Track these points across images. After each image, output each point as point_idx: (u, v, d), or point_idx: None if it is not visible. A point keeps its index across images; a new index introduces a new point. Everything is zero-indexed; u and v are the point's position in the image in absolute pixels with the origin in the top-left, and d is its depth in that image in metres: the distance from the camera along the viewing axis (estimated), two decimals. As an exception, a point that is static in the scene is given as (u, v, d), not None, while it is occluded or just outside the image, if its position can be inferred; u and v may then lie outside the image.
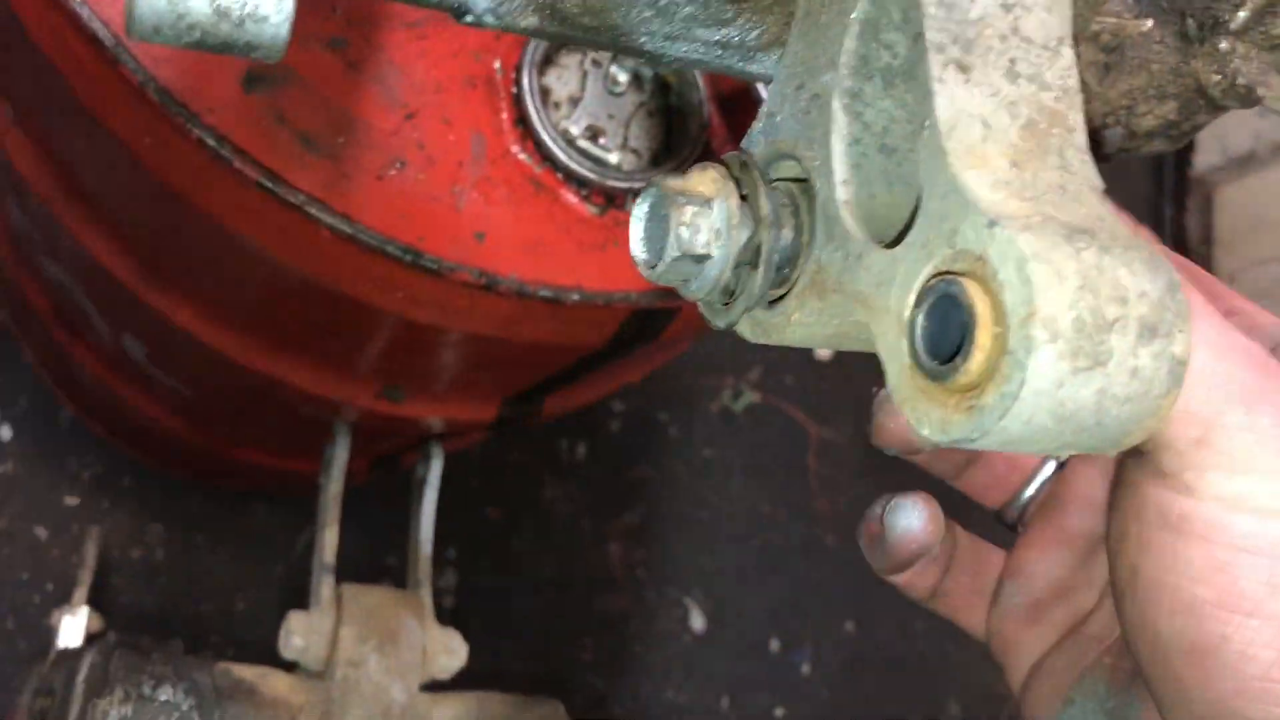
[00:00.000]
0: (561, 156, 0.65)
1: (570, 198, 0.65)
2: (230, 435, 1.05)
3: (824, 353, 1.84)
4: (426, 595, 0.87)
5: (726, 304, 0.36)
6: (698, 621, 1.69)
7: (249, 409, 0.94)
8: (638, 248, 0.35)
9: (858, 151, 0.33)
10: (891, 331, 0.30)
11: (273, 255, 0.60)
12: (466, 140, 0.63)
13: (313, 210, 0.55)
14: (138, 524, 1.34)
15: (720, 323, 0.37)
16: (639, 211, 0.35)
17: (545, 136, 0.65)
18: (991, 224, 0.27)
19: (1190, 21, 0.40)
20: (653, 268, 0.34)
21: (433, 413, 0.81)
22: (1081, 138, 0.31)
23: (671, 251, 0.33)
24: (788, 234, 0.34)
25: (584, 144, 0.66)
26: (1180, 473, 0.30)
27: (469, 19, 0.33)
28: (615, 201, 0.66)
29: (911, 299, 0.29)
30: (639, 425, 1.70)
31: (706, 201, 0.34)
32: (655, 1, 0.33)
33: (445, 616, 1.55)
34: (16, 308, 1.24)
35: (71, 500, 1.33)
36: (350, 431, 0.89)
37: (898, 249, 0.30)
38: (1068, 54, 0.32)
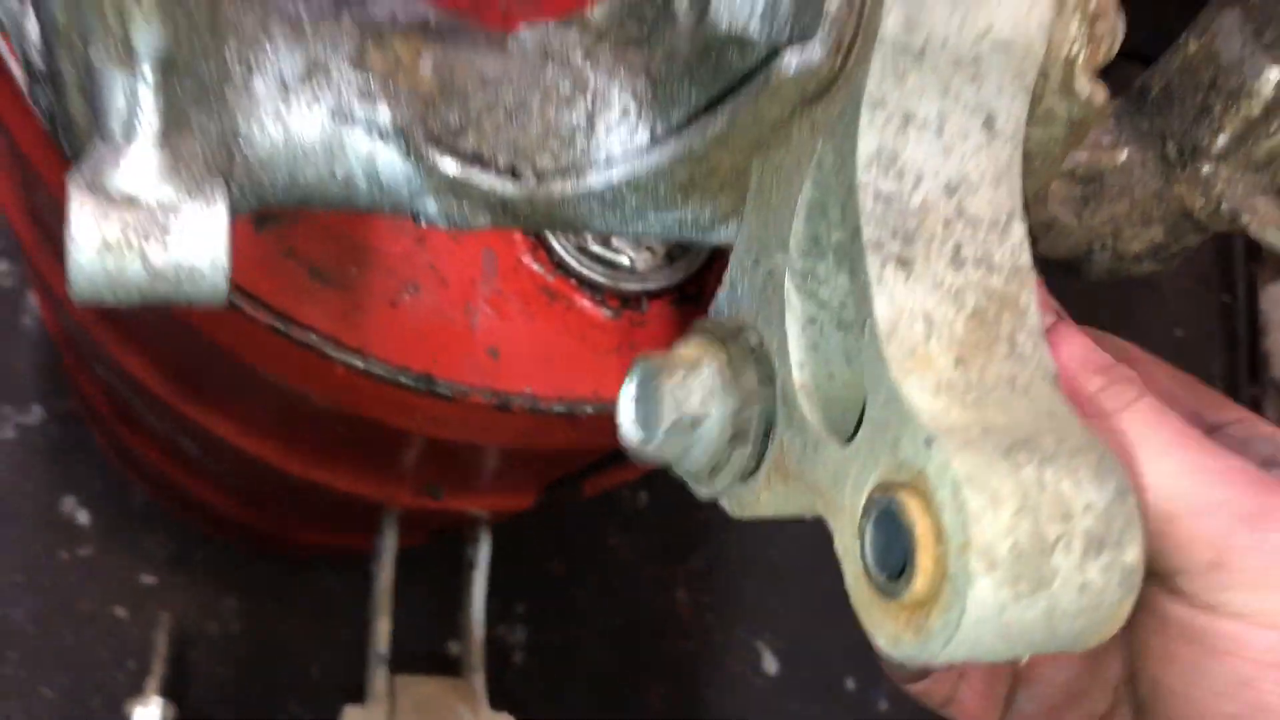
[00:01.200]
0: (573, 263, 0.65)
1: (584, 303, 0.65)
2: (286, 519, 1.08)
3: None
4: (479, 681, 0.88)
5: (711, 476, 0.35)
6: (770, 663, 1.67)
7: (299, 500, 0.96)
8: (630, 429, 0.34)
9: (814, 331, 0.33)
10: (846, 533, 0.29)
11: (292, 387, 0.61)
12: (478, 257, 0.64)
13: (325, 348, 0.56)
14: (212, 598, 1.38)
15: (705, 493, 0.37)
16: (627, 391, 0.34)
17: (556, 244, 0.65)
18: (928, 441, 0.27)
19: (1171, 146, 0.39)
20: (648, 443, 0.34)
21: (472, 505, 0.82)
22: (1034, 319, 0.30)
23: (668, 416, 0.33)
24: (769, 406, 0.33)
25: (596, 248, 0.66)
26: (1199, 593, 0.32)
27: (423, 222, 0.34)
28: (630, 304, 0.66)
29: (861, 506, 0.29)
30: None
31: (695, 364, 0.34)
32: (602, 198, 0.33)
33: (516, 672, 1.56)
34: (83, 396, 1.28)
35: (149, 579, 1.37)
36: (397, 521, 0.91)
37: (849, 448, 0.30)
38: (1018, 230, 0.31)
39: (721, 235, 0.36)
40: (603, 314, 0.66)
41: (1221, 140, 0.38)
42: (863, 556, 0.28)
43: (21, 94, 0.51)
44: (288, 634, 1.41)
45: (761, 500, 0.34)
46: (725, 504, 0.36)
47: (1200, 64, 0.38)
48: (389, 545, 0.90)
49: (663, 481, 1.80)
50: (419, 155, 0.31)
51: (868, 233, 0.29)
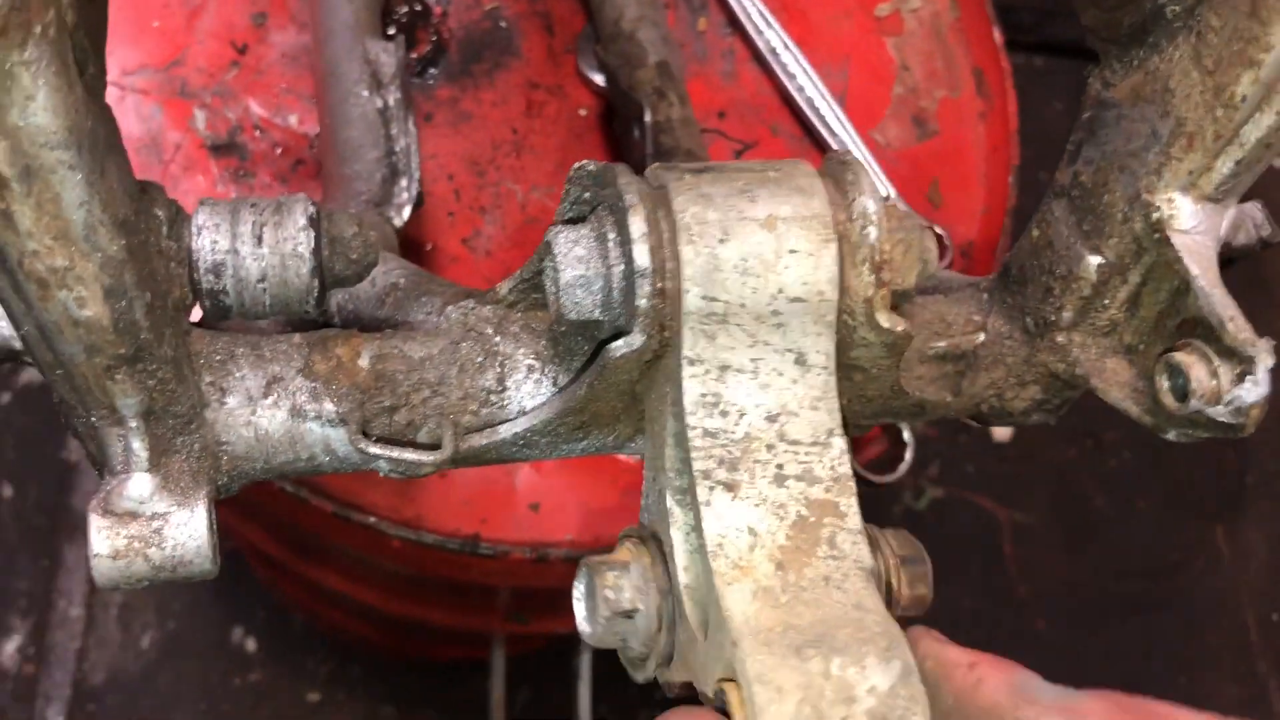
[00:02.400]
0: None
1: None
2: (415, 642, 1.18)
3: (1002, 433, 1.81)
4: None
5: (644, 663, 0.42)
6: None
7: (418, 629, 1.05)
8: (583, 623, 0.41)
9: (695, 538, 0.39)
10: (705, 702, 0.36)
11: (364, 554, 0.71)
12: (514, 421, 0.72)
13: (382, 527, 0.65)
14: (370, 710, 1.50)
15: (640, 677, 0.43)
16: (578, 591, 0.41)
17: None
18: (734, 643, 0.33)
19: (1029, 320, 0.44)
20: (594, 634, 0.40)
21: (559, 626, 0.90)
22: (854, 520, 0.36)
23: (603, 612, 0.40)
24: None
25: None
26: None
27: (381, 474, 0.42)
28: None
29: (711, 695, 0.35)
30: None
31: (626, 565, 0.40)
32: (516, 443, 0.41)
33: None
34: (237, 541, 1.42)
35: (313, 696, 1.50)
36: (504, 641, 0.99)
37: (706, 644, 0.36)
38: (838, 444, 0.37)
39: (631, 450, 0.43)
40: (633, 459, 0.73)
41: (1066, 315, 0.43)
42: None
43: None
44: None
45: (676, 681, 0.40)
46: (660, 679, 0.43)
47: (1041, 249, 0.43)
48: (498, 664, 0.98)
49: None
50: (357, 444, 0.39)
51: (696, 464, 0.36)
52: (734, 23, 0.83)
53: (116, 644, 1.46)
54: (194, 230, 0.38)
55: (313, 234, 0.39)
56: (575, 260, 0.36)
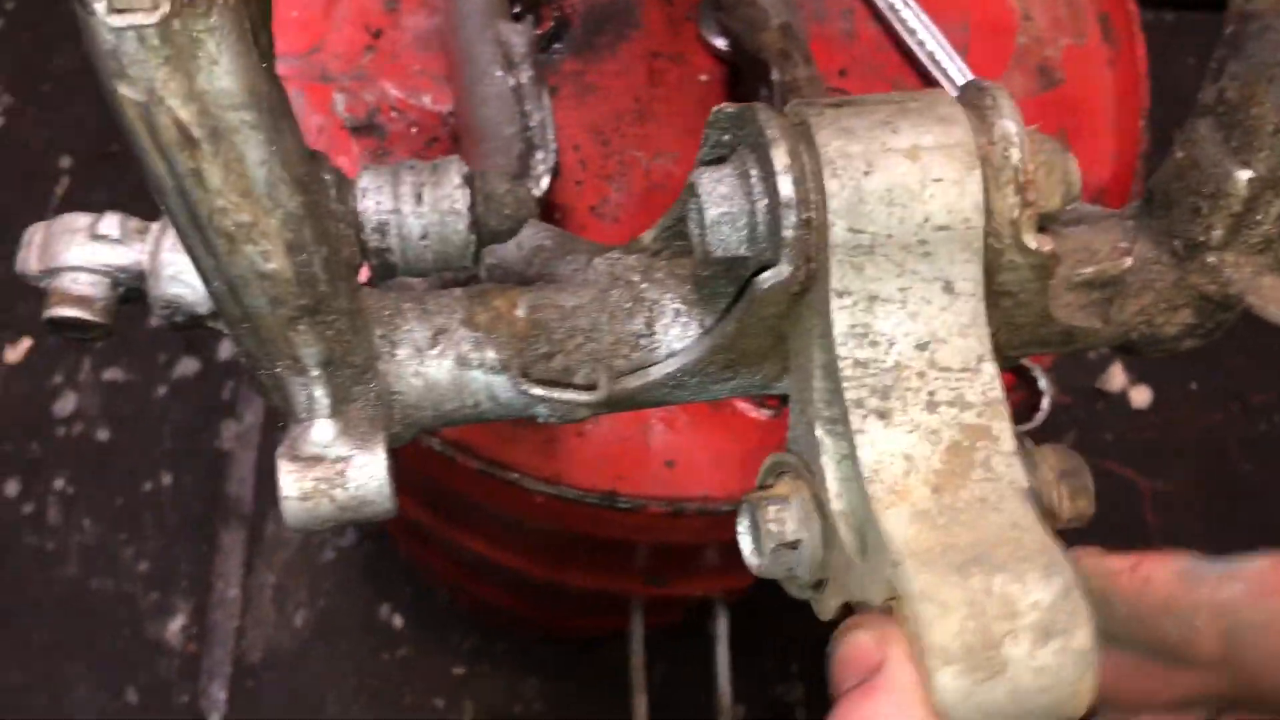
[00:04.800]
0: (734, 375, 0.73)
1: (745, 408, 0.74)
2: (556, 611, 1.21)
3: (1141, 399, 1.76)
4: (732, 744, 0.96)
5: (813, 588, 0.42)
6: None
7: (560, 596, 1.08)
8: (750, 556, 0.42)
9: (846, 466, 0.40)
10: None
11: (507, 512, 0.73)
12: (649, 383, 0.74)
13: (525, 483, 0.68)
14: (514, 682, 1.54)
15: (800, 596, 0.44)
16: (742, 527, 0.43)
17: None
18: (894, 564, 0.34)
19: (1178, 243, 0.44)
20: (761, 566, 0.42)
21: (694, 590, 0.92)
22: (1008, 442, 0.37)
23: (768, 545, 0.41)
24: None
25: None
26: None
27: (540, 420, 0.44)
28: (786, 400, 0.74)
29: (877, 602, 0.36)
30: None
31: (786, 499, 0.41)
32: (667, 384, 0.42)
33: (801, 729, 1.61)
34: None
35: (459, 670, 1.55)
36: (643, 607, 1.01)
37: (865, 566, 0.37)
38: (988, 369, 0.37)
39: (778, 389, 0.44)
40: (763, 415, 0.74)
41: (1216, 234, 0.42)
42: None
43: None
44: (583, 709, 1.55)
45: (830, 604, 0.41)
46: (815, 609, 0.44)
47: (1187, 170, 0.43)
48: (637, 630, 1.00)
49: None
50: (519, 387, 0.41)
51: (849, 394, 0.37)
52: (854, -17, 0.83)
53: (272, 623, 1.54)
54: (359, 193, 0.40)
55: (468, 192, 0.40)
56: (719, 198, 0.38)
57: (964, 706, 0.32)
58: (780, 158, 0.36)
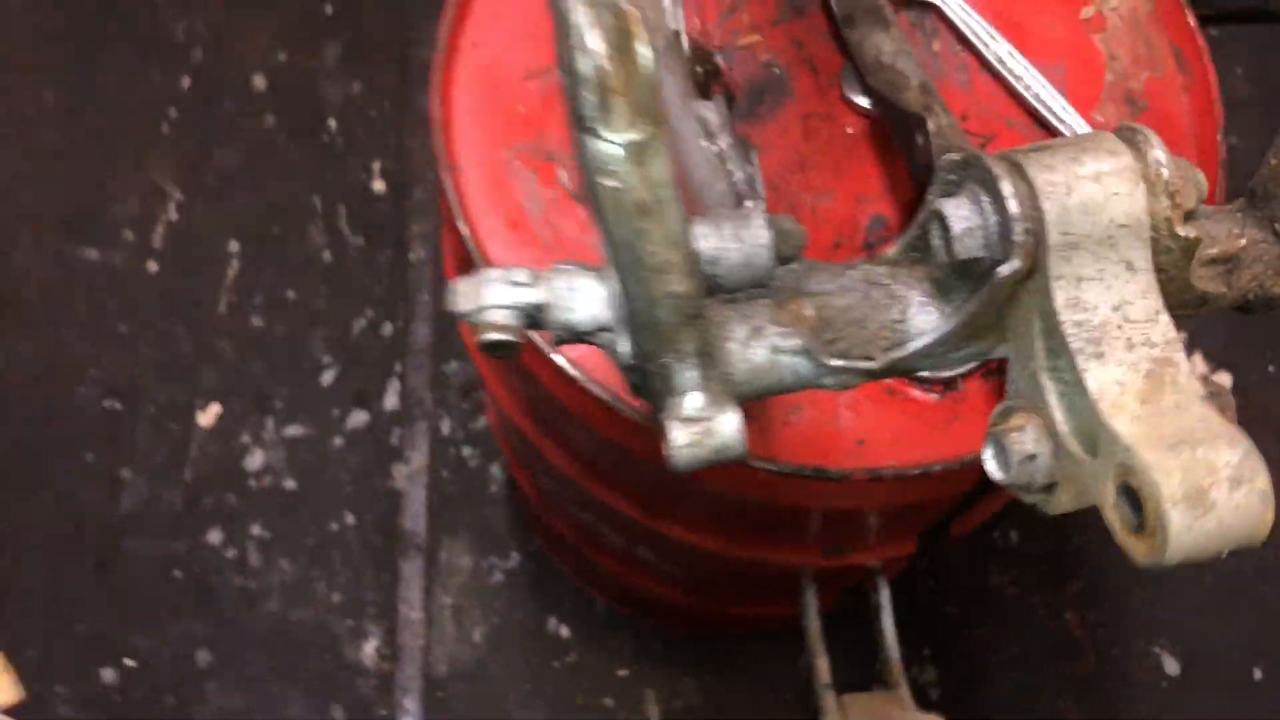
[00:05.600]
0: (904, 367, 0.91)
1: (917, 393, 0.91)
2: (722, 598, 1.38)
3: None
4: (905, 692, 1.12)
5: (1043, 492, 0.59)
6: (1171, 666, 1.78)
7: (734, 578, 1.25)
8: (997, 472, 0.59)
9: (1065, 399, 0.57)
10: (1108, 508, 0.53)
11: (729, 491, 0.90)
12: (836, 379, 0.91)
13: (750, 461, 0.85)
14: (673, 680, 1.70)
15: (1030, 500, 0.60)
16: (988, 453, 0.59)
17: (888, 357, 0.91)
18: (1127, 450, 0.51)
19: (1277, 226, 0.61)
20: (1008, 478, 0.58)
21: (869, 558, 1.08)
22: (1184, 368, 0.54)
23: (1014, 459, 0.58)
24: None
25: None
26: None
27: (825, 389, 0.61)
28: (950, 385, 0.91)
29: (1111, 492, 0.53)
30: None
31: (1023, 427, 0.58)
32: (920, 355, 0.59)
33: (935, 707, 1.76)
34: (549, 537, 1.66)
35: (623, 672, 1.71)
36: (814, 580, 1.18)
37: (1096, 462, 0.54)
38: (1164, 319, 0.54)
39: (995, 355, 0.61)
40: (932, 398, 0.91)
41: (1305, 220, 0.59)
42: (1120, 519, 0.52)
43: (552, 362, 0.85)
44: (740, 703, 1.71)
45: (1062, 501, 0.58)
46: (1042, 508, 0.60)
47: (1278, 172, 0.60)
48: (811, 601, 1.17)
49: (1029, 520, 1.99)
50: (818, 362, 0.58)
51: (1072, 345, 0.54)
52: (963, 41, 1.01)
53: (453, 639, 1.72)
54: (697, 235, 0.58)
55: (771, 232, 0.58)
56: (962, 218, 0.55)
57: (1189, 534, 0.49)
58: (1007, 187, 0.54)
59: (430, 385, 1.82)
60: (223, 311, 1.85)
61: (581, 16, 0.45)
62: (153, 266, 1.88)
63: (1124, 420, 0.52)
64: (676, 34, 0.95)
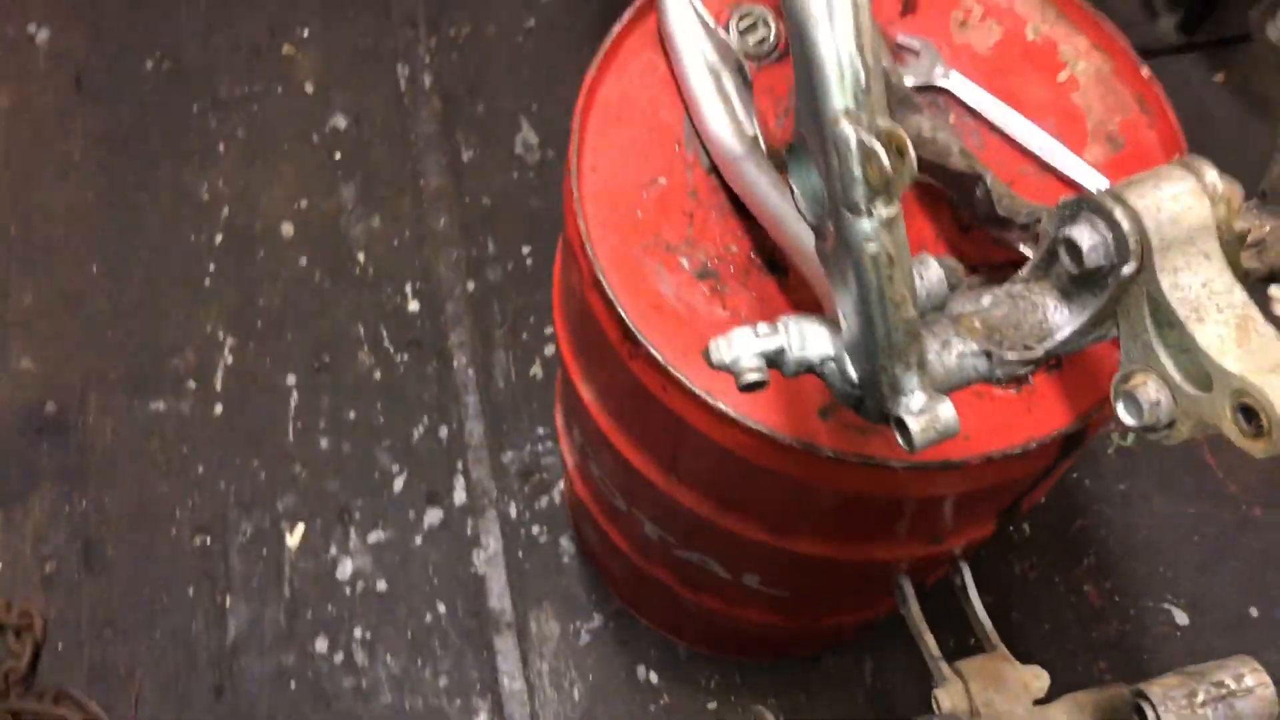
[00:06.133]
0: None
1: (998, 392, 1.13)
2: (820, 610, 1.57)
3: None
4: (1003, 651, 1.33)
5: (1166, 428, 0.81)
6: (1181, 618, 2.02)
7: (838, 585, 1.45)
8: (1129, 418, 0.81)
9: (1176, 359, 0.79)
10: (1225, 423, 0.76)
11: (862, 491, 1.12)
12: (933, 390, 1.13)
13: (845, 457, 1.06)
14: (758, 703, 1.88)
15: (1154, 438, 0.83)
16: (1120, 407, 0.81)
17: (970, 367, 1.14)
18: (1241, 378, 0.73)
19: (1288, 215, 0.85)
20: (1139, 423, 0.80)
21: (958, 542, 1.29)
22: (1262, 320, 0.77)
23: (1145, 406, 0.80)
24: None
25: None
26: None
27: (991, 381, 0.83)
28: (1021, 380, 1.14)
29: (1229, 411, 0.75)
30: (1059, 490, 2.10)
31: (1145, 381, 0.80)
32: (1061, 344, 0.82)
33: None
34: (638, 591, 1.83)
35: (711, 705, 1.88)
36: (907, 573, 1.39)
37: (1213, 393, 0.76)
38: (1238, 288, 0.78)
39: (1109, 336, 0.84)
40: (1011, 393, 1.14)
41: (1307, 209, 0.84)
42: (1239, 430, 0.74)
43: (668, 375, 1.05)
44: (816, 711, 1.89)
45: (1182, 432, 0.80)
46: (1165, 441, 0.82)
47: (1282, 177, 0.84)
48: (909, 590, 1.37)
49: (1036, 513, 2.23)
50: (995, 359, 0.80)
51: (1180, 314, 0.77)
52: (972, 113, 1.26)
53: (555, 701, 1.87)
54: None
55: (942, 269, 0.81)
56: (1086, 238, 0.78)
57: None
58: (1119, 213, 0.77)
59: (492, 475, 2.00)
60: (291, 439, 2.00)
61: (863, 137, 0.67)
62: (218, 409, 2.03)
63: (1231, 359, 0.75)
64: (755, 139, 1.19)
